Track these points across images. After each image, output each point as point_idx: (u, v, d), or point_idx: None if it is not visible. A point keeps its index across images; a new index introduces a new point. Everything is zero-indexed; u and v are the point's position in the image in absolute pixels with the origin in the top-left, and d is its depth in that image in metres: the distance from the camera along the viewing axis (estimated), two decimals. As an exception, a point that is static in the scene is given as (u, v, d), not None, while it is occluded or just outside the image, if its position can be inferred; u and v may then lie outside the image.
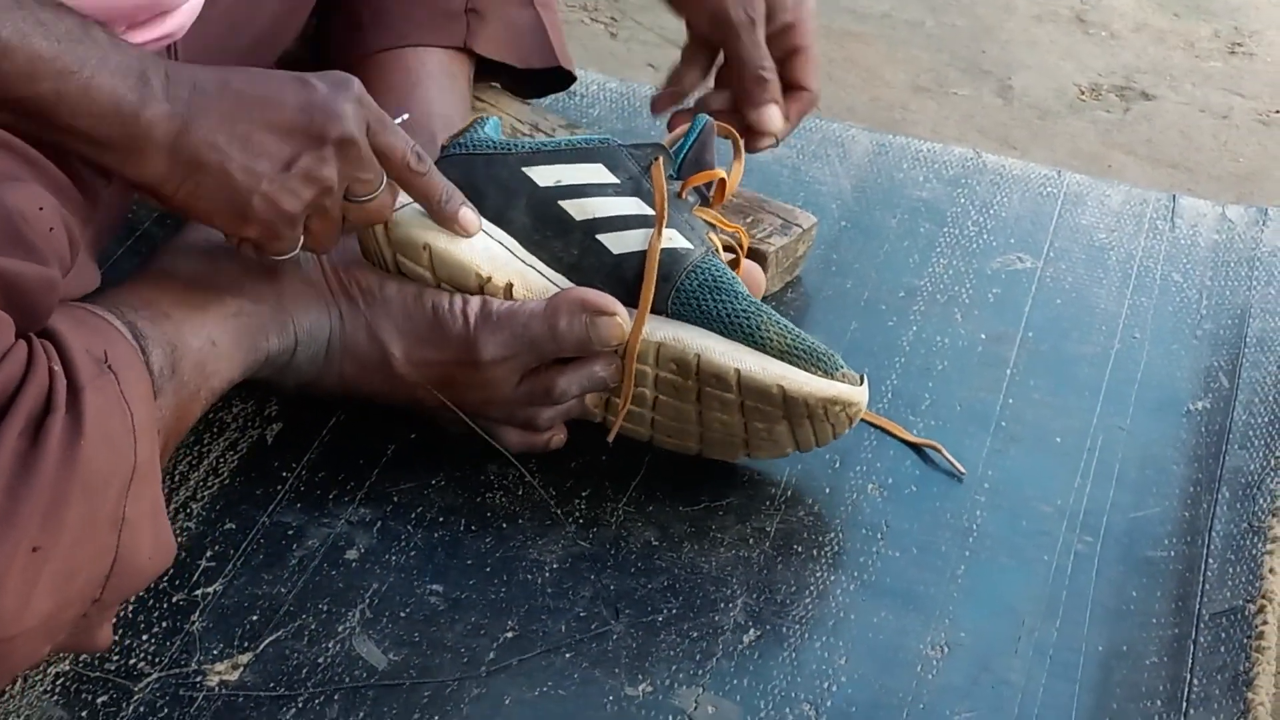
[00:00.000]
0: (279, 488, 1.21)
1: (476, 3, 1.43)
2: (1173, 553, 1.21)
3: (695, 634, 1.12)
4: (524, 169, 1.20)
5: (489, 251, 1.19)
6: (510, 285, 1.19)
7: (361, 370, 1.19)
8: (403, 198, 1.17)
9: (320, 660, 1.09)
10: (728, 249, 1.25)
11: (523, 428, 1.22)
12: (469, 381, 1.19)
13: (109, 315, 1.07)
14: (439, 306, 1.18)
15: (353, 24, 1.42)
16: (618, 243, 1.20)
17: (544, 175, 1.20)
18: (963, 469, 1.26)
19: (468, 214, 1.17)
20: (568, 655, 1.10)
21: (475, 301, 1.18)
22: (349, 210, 1.13)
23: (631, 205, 1.20)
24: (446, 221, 1.17)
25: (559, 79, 1.53)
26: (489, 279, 1.18)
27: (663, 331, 1.18)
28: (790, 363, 1.17)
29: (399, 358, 1.19)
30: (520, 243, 1.20)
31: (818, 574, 1.17)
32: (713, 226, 1.24)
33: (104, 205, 1.15)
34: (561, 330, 1.17)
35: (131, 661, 1.08)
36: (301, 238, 1.12)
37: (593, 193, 1.20)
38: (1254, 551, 1.19)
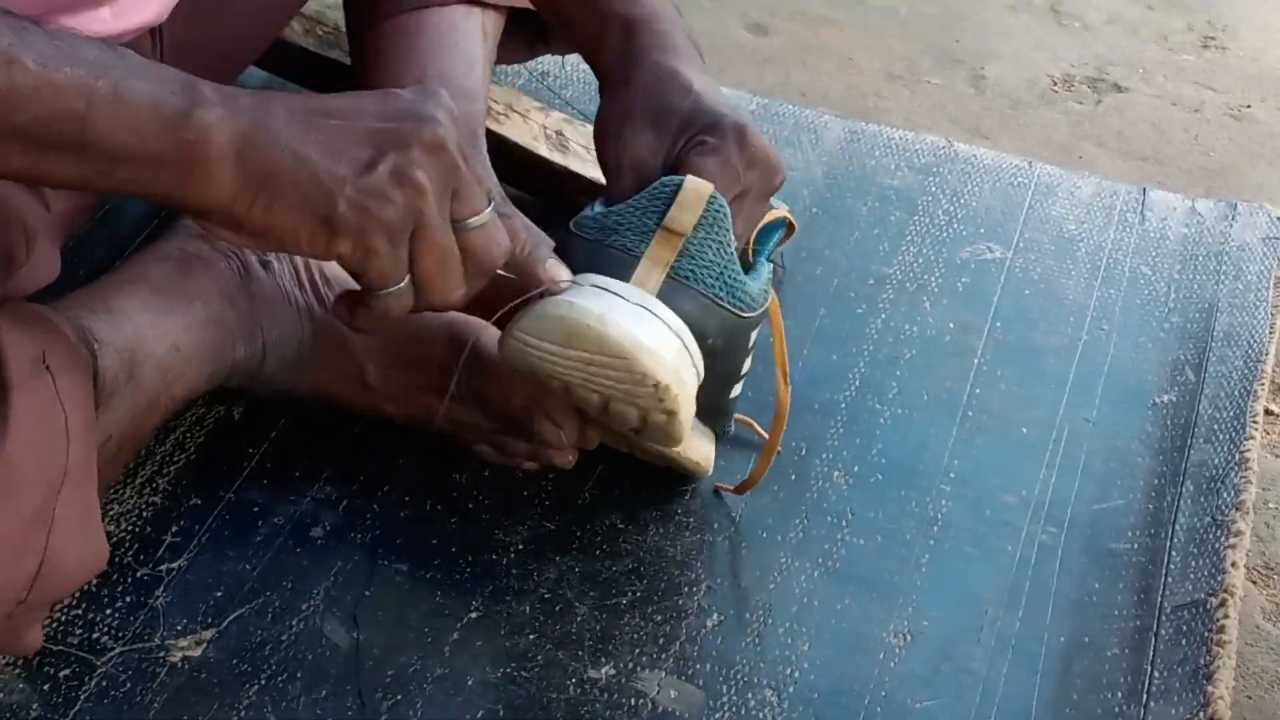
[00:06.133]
0: (245, 464, 1.21)
1: None
2: (1136, 545, 1.21)
3: (659, 617, 1.13)
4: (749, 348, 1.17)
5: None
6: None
7: (333, 379, 1.19)
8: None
9: (284, 638, 1.09)
10: None
11: (497, 449, 1.21)
12: (440, 406, 1.19)
13: (55, 315, 1.03)
14: (425, 327, 1.16)
15: None
16: (735, 389, 1.19)
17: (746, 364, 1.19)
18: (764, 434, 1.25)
19: (557, 265, 1.07)
20: (531, 637, 1.10)
21: (469, 329, 1.17)
22: (462, 244, 0.98)
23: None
24: (530, 271, 1.06)
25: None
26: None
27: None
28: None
29: (373, 373, 1.18)
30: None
31: (782, 560, 1.18)
32: None
33: (69, 193, 1.09)
34: (516, 410, 1.17)
35: (95, 635, 1.07)
36: (405, 264, 0.96)
37: (746, 356, 1.18)
38: (1216, 545, 1.19)
